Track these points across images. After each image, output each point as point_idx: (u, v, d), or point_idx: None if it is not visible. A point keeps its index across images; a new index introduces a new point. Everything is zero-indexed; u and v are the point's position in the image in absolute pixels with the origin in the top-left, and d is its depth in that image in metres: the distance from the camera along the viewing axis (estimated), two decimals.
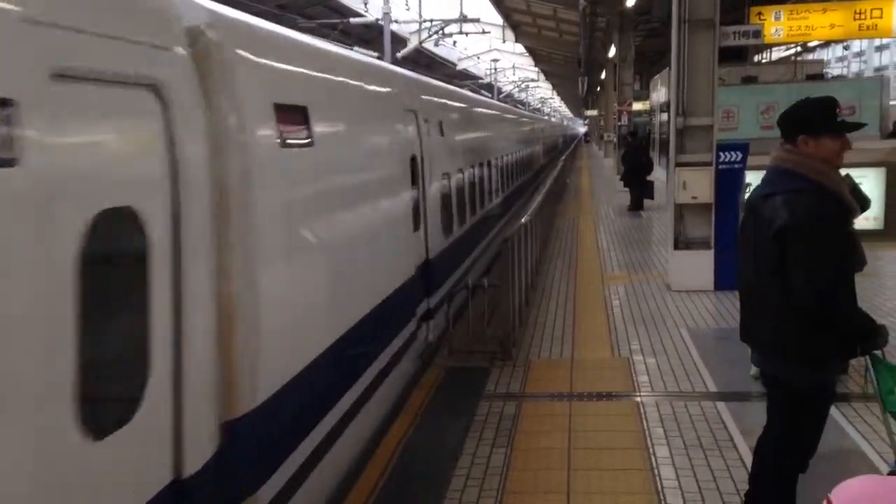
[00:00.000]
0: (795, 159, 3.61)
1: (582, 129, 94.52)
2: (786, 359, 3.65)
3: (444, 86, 11.61)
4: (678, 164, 9.91)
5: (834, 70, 58.59)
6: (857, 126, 3.65)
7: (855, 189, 5.58)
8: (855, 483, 2.25)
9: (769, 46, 30.11)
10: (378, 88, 6.46)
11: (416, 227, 7.11)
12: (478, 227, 11.38)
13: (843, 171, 5.63)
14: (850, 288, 3.58)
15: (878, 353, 3.59)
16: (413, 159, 7.14)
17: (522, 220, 8.38)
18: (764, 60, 32.50)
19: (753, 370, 5.97)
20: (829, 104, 3.64)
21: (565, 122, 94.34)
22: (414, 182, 7.07)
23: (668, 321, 8.61)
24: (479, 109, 13.95)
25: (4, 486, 2.12)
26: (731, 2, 18.47)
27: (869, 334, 3.51)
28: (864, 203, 5.72)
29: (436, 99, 9.26)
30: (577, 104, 75.13)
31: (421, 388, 6.59)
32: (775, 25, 13.08)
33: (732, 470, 4.90)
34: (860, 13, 13.50)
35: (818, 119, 3.63)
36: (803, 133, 3.62)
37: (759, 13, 13.09)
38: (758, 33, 10.74)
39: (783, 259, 3.51)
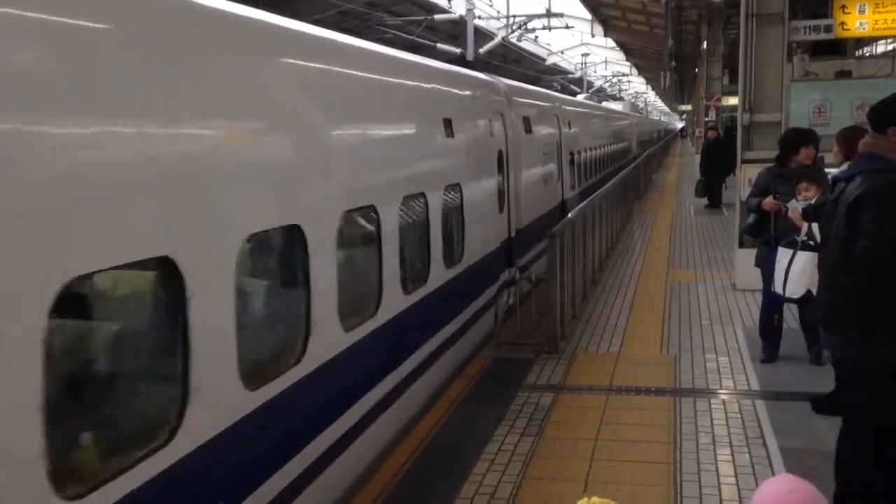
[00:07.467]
0: (881, 144, 3.91)
1: (679, 125, 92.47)
2: (848, 333, 3.80)
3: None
4: (744, 161, 9.76)
5: None
6: None
7: None
8: (774, 482, 2.33)
9: (875, 40, 28.93)
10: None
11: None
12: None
13: None
14: None
15: None
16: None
17: (570, 215, 8.45)
18: (867, 54, 31.25)
19: (826, 354, 6.11)
20: None
21: (660, 118, 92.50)
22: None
23: (726, 320, 8.52)
24: (566, 107, 15.59)
25: None
26: None
27: None
28: None
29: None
30: (672, 99, 73.49)
31: (463, 377, 6.77)
32: (860, 19, 12.56)
33: (756, 467, 4.92)
34: None
35: None
36: (893, 125, 3.88)
37: (843, 6, 12.59)
38: (829, 28, 10.44)
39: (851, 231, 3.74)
